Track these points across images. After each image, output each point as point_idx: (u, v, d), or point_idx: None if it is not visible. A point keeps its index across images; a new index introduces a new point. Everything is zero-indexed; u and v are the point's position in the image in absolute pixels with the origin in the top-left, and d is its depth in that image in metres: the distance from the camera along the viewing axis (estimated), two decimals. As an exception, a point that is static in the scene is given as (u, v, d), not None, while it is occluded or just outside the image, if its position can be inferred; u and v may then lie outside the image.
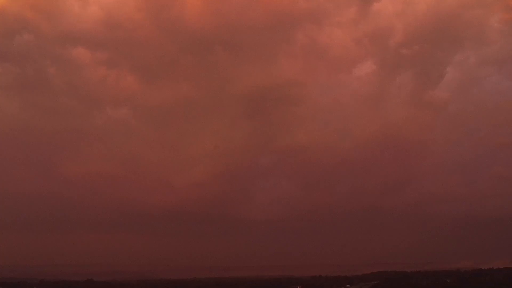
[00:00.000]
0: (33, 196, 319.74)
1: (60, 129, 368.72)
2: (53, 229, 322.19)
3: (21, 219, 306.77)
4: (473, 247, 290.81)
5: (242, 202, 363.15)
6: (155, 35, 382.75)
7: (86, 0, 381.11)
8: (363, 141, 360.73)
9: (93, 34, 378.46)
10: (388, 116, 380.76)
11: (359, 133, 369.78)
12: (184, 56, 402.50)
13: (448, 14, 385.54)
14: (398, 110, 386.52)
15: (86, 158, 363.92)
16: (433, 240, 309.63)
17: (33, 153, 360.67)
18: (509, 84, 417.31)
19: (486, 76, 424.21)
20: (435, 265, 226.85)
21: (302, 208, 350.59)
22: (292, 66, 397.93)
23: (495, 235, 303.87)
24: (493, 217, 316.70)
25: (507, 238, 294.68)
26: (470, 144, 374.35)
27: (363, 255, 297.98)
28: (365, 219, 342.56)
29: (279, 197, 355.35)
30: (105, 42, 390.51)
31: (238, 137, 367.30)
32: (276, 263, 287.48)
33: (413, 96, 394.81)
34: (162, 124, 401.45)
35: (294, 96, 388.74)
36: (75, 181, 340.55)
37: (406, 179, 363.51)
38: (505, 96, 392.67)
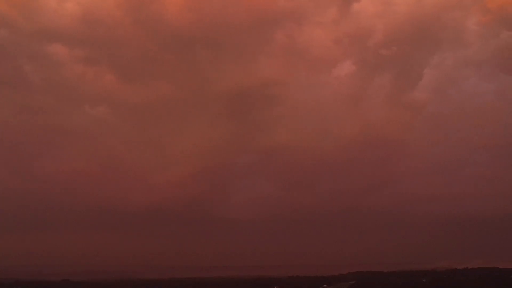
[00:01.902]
0: (8, 194, 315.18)
1: (37, 127, 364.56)
2: (28, 228, 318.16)
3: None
4: (450, 247, 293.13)
5: (221, 201, 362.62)
6: (134, 33, 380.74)
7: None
8: (343, 141, 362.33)
9: (71, 30, 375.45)
10: (368, 117, 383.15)
11: (338, 133, 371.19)
12: (164, 55, 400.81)
13: (427, 16, 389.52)
14: (377, 111, 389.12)
15: (63, 156, 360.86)
16: (410, 240, 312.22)
17: (9, 151, 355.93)
18: (487, 86, 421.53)
19: (463, 78, 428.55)
20: (412, 265, 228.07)
21: (281, 208, 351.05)
22: (272, 65, 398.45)
23: (471, 235, 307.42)
24: (470, 217, 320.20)
25: (483, 238, 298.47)
26: (448, 145, 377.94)
27: (341, 255, 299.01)
28: (344, 220, 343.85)
29: (258, 197, 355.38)
30: (84, 39, 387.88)
31: (218, 137, 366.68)
32: (254, 263, 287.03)
33: (392, 96, 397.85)
34: (142, 122, 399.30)
35: (274, 96, 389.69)
36: (52, 179, 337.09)
37: (385, 179, 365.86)
38: (483, 98, 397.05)
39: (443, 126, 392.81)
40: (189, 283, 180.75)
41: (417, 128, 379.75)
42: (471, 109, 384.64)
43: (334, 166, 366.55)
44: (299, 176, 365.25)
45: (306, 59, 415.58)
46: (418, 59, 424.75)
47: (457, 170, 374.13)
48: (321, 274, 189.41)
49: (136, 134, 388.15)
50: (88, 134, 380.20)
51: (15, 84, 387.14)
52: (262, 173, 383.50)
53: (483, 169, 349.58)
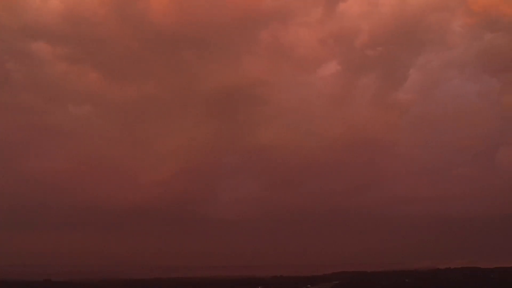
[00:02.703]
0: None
1: (19, 125, 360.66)
2: (11, 227, 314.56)
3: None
4: (433, 247, 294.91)
5: (206, 201, 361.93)
6: (119, 31, 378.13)
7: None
8: (328, 141, 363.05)
9: (55, 28, 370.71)
10: (353, 117, 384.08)
11: (324, 133, 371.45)
12: (149, 53, 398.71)
13: (412, 17, 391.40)
14: (362, 111, 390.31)
15: (46, 155, 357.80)
16: (394, 240, 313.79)
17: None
18: (471, 87, 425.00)
19: (448, 79, 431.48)
20: (395, 265, 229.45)
21: (266, 208, 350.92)
22: (257, 65, 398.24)
23: (455, 236, 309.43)
24: (454, 218, 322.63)
25: (466, 238, 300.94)
26: (433, 146, 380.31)
27: (325, 255, 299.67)
28: (329, 220, 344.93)
29: (243, 197, 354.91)
30: (67, 37, 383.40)
31: (204, 136, 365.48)
32: (238, 263, 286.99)
33: (377, 97, 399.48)
34: (127, 121, 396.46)
35: (259, 96, 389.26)
36: (35, 179, 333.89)
37: (369, 180, 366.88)
38: (467, 99, 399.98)
39: (428, 127, 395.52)
40: (174, 283, 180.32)
41: (402, 128, 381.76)
42: (455, 110, 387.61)
43: (320, 166, 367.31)
44: (284, 176, 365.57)
45: (291, 59, 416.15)
46: (403, 60, 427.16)
47: (441, 171, 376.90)
48: (305, 274, 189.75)
49: (121, 133, 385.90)
50: (72, 133, 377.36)
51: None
52: (247, 173, 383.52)
53: (467, 170, 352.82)
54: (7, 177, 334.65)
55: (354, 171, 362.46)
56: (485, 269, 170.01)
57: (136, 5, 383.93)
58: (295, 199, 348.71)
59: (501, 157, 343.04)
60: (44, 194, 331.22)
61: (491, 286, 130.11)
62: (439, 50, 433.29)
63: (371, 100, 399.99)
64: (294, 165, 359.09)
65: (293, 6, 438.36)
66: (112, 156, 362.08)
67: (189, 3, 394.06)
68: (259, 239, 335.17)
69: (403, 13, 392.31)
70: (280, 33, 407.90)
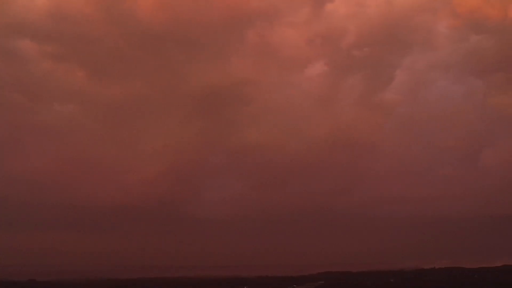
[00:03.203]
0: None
1: (4, 124, 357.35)
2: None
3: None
4: (418, 247, 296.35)
5: (191, 200, 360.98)
6: (105, 30, 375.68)
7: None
8: (314, 141, 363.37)
9: (41, 26, 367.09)
10: (339, 117, 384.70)
11: (310, 134, 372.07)
12: (136, 52, 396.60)
13: (399, 18, 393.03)
14: (348, 112, 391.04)
15: (31, 154, 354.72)
16: (379, 240, 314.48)
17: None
18: (456, 88, 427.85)
19: (433, 80, 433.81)
20: (380, 265, 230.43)
21: (251, 208, 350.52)
22: (244, 64, 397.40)
23: (439, 236, 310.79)
24: (439, 218, 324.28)
25: (451, 238, 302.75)
26: (417, 147, 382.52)
27: (310, 255, 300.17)
28: (314, 220, 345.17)
29: (228, 197, 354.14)
30: (53, 34, 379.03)
31: (189, 135, 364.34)
32: (224, 263, 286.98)
33: (364, 98, 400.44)
34: (112, 121, 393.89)
35: (245, 95, 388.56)
36: (20, 178, 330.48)
37: (355, 180, 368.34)
38: (452, 100, 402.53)
39: (413, 128, 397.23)
40: (158, 282, 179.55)
41: (388, 129, 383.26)
42: (440, 111, 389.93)
43: (305, 167, 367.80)
44: (269, 176, 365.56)
45: (278, 59, 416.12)
46: (389, 61, 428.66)
47: (426, 172, 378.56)
48: (290, 274, 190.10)
49: (107, 132, 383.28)
50: (57, 132, 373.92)
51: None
52: (233, 173, 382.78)
53: (451, 171, 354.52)
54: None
55: (340, 171, 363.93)
56: (469, 269, 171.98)
57: (123, 3, 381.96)
58: (280, 199, 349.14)
59: (485, 158, 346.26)
60: (28, 193, 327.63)
61: (474, 286, 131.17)
62: (425, 51, 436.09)
63: (357, 101, 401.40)
64: (279, 165, 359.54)
65: (280, 6, 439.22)
66: (97, 155, 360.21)
67: (176, 2, 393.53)
68: (244, 239, 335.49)
69: (389, 14, 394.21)
70: (267, 33, 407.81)
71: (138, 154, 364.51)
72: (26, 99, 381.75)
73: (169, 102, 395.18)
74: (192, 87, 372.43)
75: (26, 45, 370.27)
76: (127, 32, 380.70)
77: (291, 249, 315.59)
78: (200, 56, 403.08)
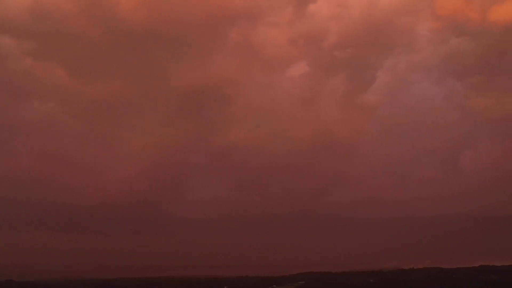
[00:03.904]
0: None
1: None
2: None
3: None
4: (398, 248, 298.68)
5: (173, 200, 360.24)
6: (87, 27, 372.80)
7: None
8: (295, 142, 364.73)
9: (20, 22, 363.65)
10: (321, 118, 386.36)
11: (291, 134, 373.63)
12: (117, 50, 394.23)
13: (380, 20, 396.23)
14: (330, 112, 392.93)
15: (10, 153, 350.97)
16: (360, 241, 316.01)
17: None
18: (436, 90, 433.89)
19: (414, 82, 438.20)
20: (360, 265, 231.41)
21: (232, 208, 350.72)
22: (226, 64, 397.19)
23: (419, 237, 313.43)
24: (418, 219, 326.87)
25: (430, 239, 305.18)
26: (398, 148, 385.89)
27: (291, 255, 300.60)
28: (295, 221, 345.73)
29: (210, 197, 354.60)
30: (33, 32, 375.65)
31: (171, 135, 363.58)
32: (204, 263, 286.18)
33: (345, 98, 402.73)
34: (93, 119, 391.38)
35: (227, 95, 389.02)
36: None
37: (337, 181, 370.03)
38: (432, 102, 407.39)
39: (394, 129, 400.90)
40: (138, 283, 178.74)
41: (369, 130, 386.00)
42: (421, 112, 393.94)
43: (286, 167, 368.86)
44: (251, 176, 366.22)
45: (260, 59, 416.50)
46: (371, 62, 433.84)
47: (406, 173, 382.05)
48: (271, 274, 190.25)
49: (87, 131, 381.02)
50: (37, 130, 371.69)
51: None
52: (214, 173, 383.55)
53: (431, 172, 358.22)
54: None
55: (321, 172, 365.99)
56: (447, 269, 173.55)
57: (105, 1, 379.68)
58: (262, 199, 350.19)
59: (465, 159, 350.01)
60: (6, 191, 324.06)
61: (452, 286, 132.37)
62: (406, 53, 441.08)
63: (339, 102, 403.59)
64: (261, 165, 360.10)
65: (263, 6, 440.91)
66: (78, 153, 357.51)
67: (158, 1, 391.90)
68: (225, 238, 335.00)
69: (372, 16, 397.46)
70: (249, 32, 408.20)
71: (119, 153, 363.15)
72: (5, 97, 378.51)
73: (151, 101, 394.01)
74: (174, 86, 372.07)
75: (6, 42, 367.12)
76: (108, 30, 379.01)
77: (272, 249, 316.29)
78: (182, 55, 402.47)
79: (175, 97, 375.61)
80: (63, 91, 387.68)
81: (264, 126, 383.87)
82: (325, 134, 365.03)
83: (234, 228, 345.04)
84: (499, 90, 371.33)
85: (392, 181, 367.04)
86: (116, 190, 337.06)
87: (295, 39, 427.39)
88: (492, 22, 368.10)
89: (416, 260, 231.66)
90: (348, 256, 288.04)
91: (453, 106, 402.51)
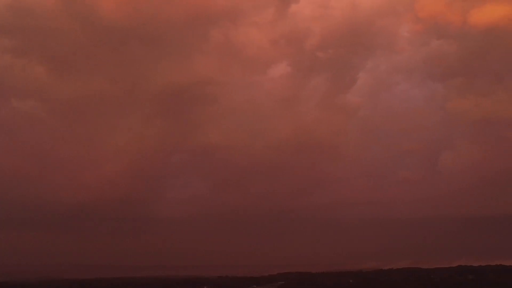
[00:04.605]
0: None
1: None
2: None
3: None
4: (377, 248, 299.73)
5: (152, 200, 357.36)
6: (67, 25, 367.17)
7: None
8: (276, 142, 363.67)
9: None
10: (301, 119, 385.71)
11: (272, 135, 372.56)
12: (98, 49, 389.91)
13: (362, 21, 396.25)
14: (311, 113, 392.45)
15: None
16: (339, 242, 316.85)
17: None
18: (417, 92, 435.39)
19: (395, 83, 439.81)
20: (340, 266, 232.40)
21: (212, 208, 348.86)
22: (207, 64, 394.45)
23: (398, 237, 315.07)
24: (397, 220, 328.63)
25: (410, 240, 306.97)
26: (379, 149, 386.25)
27: (271, 256, 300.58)
28: (275, 221, 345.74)
29: (190, 196, 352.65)
30: (13, 28, 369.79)
31: (152, 135, 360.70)
32: (184, 263, 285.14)
33: (326, 99, 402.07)
34: (73, 118, 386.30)
35: (208, 95, 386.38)
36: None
37: (316, 182, 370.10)
38: (413, 103, 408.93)
39: (374, 130, 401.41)
40: (118, 283, 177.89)
41: (349, 131, 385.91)
42: (401, 114, 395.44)
43: (266, 168, 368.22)
44: (231, 176, 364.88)
45: (241, 59, 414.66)
46: (353, 63, 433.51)
47: (386, 174, 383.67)
48: (251, 274, 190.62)
49: (66, 130, 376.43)
50: (15, 128, 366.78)
51: None
52: (194, 173, 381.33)
53: (410, 173, 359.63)
54: None
55: (301, 173, 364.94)
56: (426, 269, 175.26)
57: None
58: (242, 199, 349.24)
59: (444, 161, 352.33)
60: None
61: (430, 286, 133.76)
62: (387, 54, 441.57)
63: (320, 102, 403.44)
64: (241, 165, 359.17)
65: (245, 6, 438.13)
66: (56, 153, 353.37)
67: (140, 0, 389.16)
68: (205, 238, 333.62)
69: (353, 17, 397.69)
70: (231, 32, 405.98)
71: (100, 152, 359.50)
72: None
73: (131, 100, 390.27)
74: (155, 85, 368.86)
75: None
76: (89, 27, 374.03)
77: (252, 249, 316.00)
78: (164, 54, 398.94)
79: (156, 96, 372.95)
80: (42, 88, 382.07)
81: (245, 126, 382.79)
82: (305, 134, 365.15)
83: (214, 228, 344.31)
84: (478, 92, 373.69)
85: (372, 182, 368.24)
86: (96, 189, 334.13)
87: (277, 40, 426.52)
88: (472, 25, 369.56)
89: (395, 260, 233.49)
90: (328, 256, 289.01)
91: (433, 107, 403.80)
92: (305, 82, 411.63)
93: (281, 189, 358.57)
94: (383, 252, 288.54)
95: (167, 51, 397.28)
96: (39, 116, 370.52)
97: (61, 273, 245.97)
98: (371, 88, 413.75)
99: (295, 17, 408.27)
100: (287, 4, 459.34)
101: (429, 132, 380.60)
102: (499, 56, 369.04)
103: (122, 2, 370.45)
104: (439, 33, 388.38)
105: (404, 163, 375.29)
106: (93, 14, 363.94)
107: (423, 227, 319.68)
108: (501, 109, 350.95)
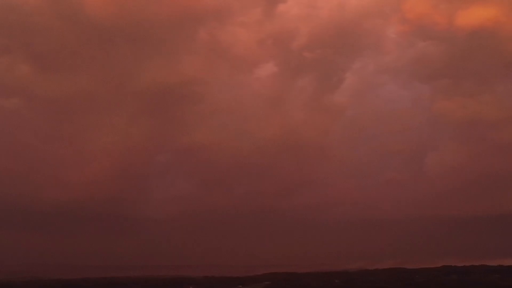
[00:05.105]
0: None
1: None
2: None
3: None
4: (363, 249, 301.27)
5: (138, 200, 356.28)
6: (53, 23, 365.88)
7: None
8: (262, 142, 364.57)
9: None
10: (288, 119, 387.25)
11: (258, 135, 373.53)
12: (84, 47, 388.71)
13: (349, 22, 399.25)
14: (297, 113, 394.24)
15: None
16: (325, 242, 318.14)
17: None
18: (403, 93, 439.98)
19: (382, 84, 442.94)
20: (325, 266, 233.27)
21: (198, 208, 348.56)
22: (194, 63, 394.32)
23: (384, 237, 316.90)
24: (383, 220, 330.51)
25: (395, 240, 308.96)
26: (364, 149, 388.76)
27: (256, 256, 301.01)
28: (261, 221, 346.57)
29: (175, 196, 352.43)
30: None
31: (137, 134, 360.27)
32: (170, 263, 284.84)
33: (313, 99, 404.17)
34: (58, 117, 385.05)
35: (194, 95, 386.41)
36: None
37: (303, 182, 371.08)
38: (399, 104, 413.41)
39: (360, 131, 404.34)
40: (103, 283, 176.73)
41: (335, 132, 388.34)
42: (387, 115, 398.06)
43: (252, 167, 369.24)
44: (217, 176, 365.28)
45: (228, 58, 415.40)
46: (340, 63, 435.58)
47: (372, 174, 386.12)
48: (236, 274, 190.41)
49: (51, 129, 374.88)
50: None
51: None
52: (179, 172, 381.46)
53: (396, 174, 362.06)
54: None
55: (287, 173, 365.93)
56: (411, 269, 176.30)
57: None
58: (226, 199, 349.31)
59: (429, 162, 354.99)
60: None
61: (415, 286, 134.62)
62: (374, 55, 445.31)
63: (306, 103, 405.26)
64: (226, 165, 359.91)
65: (232, 5, 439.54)
66: (41, 152, 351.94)
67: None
68: (190, 238, 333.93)
69: (341, 18, 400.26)
70: (218, 32, 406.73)
71: (84, 151, 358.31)
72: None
73: (117, 99, 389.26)
74: (141, 84, 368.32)
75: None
76: (75, 25, 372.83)
77: (237, 249, 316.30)
78: (150, 54, 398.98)
79: (142, 95, 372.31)
80: (27, 87, 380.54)
81: (231, 126, 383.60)
82: (291, 134, 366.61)
83: (199, 228, 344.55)
84: (464, 94, 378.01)
85: (358, 183, 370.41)
86: (81, 188, 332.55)
87: (264, 39, 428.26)
88: (458, 27, 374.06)
89: (381, 260, 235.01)
90: (313, 256, 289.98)
91: (419, 108, 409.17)
92: (292, 82, 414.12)
93: (267, 189, 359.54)
94: (369, 253, 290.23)
95: (154, 50, 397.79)
96: (24, 114, 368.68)
97: (44, 273, 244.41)
98: (358, 89, 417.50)
99: (282, 17, 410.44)
100: (274, 4, 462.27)
101: (415, 133, 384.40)
102: (484, 58, 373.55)
103: (109, 0, 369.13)
104: (425, 34, 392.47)
105: (390, 164, 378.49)
106: (79, 12, 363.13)
107: (408, 228, 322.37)
108: (487, 111, 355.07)
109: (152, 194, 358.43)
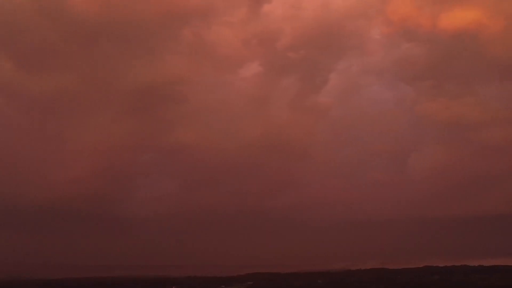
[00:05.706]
0: None
1: None
2: None
3: None
4: (346, 249, 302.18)
5: (121, 199, 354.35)
6: (36, 20, 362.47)
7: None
8: (246, 142, 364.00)
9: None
10: (272, 119, 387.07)
11: (242, 134, 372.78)
12: (67, 45, 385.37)
13: (334, 23, 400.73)
14: (282, 113, 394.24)
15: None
16: (308, 242, 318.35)
17: None
18: (387, 94, 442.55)
19: (366, 85, 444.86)
20: (308, 266, 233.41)
21: (182, 208, 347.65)
22: (178, 63, 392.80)
23: (367, 238, 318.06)
24: (366, 220, 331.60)
25: (378, 240, 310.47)
26: (349, 150, 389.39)
27: (239, 256, 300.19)
28: (244, 221, 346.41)
29: (159, 196, 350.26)
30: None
31: (121, 133, 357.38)
32: (153, 263, 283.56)
33: (297, 100, 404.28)
34: (41, 115, 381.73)
35: (179, 94, 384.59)
36: None
37: (287, 182, 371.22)
38: (383, 105, 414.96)
39: (345, 131, 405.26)
40: (86, 282, 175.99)
41: (320, 132, 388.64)
42: (371, 115, 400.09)
43: (236, 167, 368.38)
44: (201, 175, 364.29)
45: (213, 58, 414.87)
46: (324, 64, 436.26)
47: (356, 175, 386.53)
48: (219, 274, 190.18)
49: (34, 127, 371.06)
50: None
51: None
52: (163, 172, 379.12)
53: (380, 174, 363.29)
54: None
55: (270, 173, 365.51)
56: (393, 270, 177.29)
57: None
58: (211, 199, 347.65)
59: (412, 162, 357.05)
60: None
61: (398, 286, 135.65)
62: (358, 56, 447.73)
63: (291, 103, 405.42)
64: (210, 165, 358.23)
65: (217, 5, 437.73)
66: (23, 151, 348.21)
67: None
68: (174, 238, 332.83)
69: (325, 19, 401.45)
70: (202, 31, 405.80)
71: (67, 150, 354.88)
72: None
73: (101, 99, 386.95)
74: (125, 84, 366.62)
75: None
76: (59, 23, 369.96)
77: (220, 249, 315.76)
78: (134, 53, 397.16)
79: (126, 94, 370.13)
80: (9, 85, 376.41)
81: (215, 125, 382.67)
82: (276, 135, 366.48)
83: (183, 228, 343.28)
84: (447, 95, 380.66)
85: (341, 183, 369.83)
86: (64, 188, 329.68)
87: (249, 39, 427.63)
88: (442, 29, 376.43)
89: (363, 261, 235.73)
90: (296, 257, 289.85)
91: (403, 109, 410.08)
92: (276, 82, 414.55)
93: (251, 189, 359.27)
94: (352, 253, 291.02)
95: (138, 49, 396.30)
96: (6, 112, 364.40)
97: (27, 273, 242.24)
98: (342, 89, 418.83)
99: (267, 17, 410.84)
100: (259, 4, 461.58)
101: (399, 134, 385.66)
102: (468, 60, 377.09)
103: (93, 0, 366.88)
104: (409, 36, 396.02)
105: (374, 165, 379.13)
106: (63, 10, 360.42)
107: (391, 228, 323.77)
108: (469, 113, 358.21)
109: (136, 194, 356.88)
